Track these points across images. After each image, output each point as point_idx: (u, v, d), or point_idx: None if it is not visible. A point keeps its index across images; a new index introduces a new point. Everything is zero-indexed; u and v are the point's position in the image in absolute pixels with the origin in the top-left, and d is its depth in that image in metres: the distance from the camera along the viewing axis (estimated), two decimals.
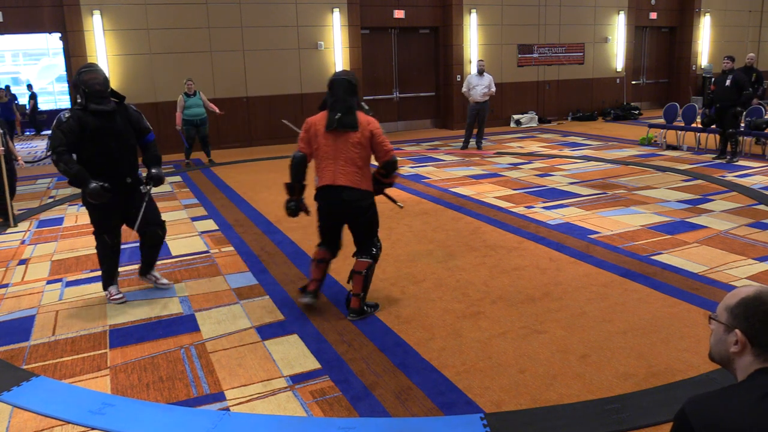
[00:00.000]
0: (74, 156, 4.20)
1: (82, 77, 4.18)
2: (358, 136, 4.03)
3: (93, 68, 4.26)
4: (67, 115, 4.15)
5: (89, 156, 4.21)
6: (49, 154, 4.18)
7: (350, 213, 4.09)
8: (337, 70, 4.71)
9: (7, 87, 17.69)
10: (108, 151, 4.25)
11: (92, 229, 4.52)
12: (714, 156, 9.99)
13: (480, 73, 11.80)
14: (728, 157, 9.65)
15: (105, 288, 4.63)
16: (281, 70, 12.99)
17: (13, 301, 4.71)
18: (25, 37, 17.78)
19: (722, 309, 1.53)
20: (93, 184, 4.10)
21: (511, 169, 9.56)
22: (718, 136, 10.17)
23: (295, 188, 4.16)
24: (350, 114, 4.06)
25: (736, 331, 1.48)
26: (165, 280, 4.86)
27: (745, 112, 10.02)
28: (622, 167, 9.41)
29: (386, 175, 4.18)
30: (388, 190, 4.35)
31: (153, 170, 4.48)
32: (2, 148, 6.78)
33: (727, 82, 9.57)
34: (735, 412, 1.35)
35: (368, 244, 4.18)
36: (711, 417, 1.36)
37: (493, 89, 11.86)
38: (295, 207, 4.17)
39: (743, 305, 1.49)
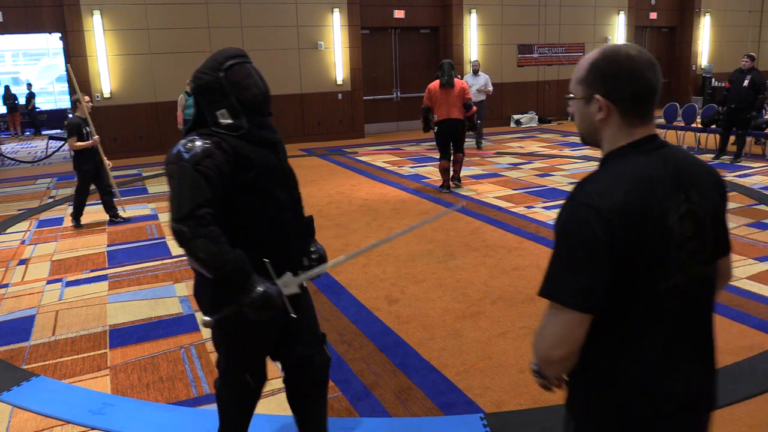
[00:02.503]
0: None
1: (232, 77, 2.22)
2: (456, 91, 7.78)
3: (246, 63, 2.29)
4: (206, 144, 2.13)
5: (246, 220, 2.23)
6: (176, 224, 2.06)
7: (454, 131, 7.92)
8: (444, 59, 8.34)
9: (7, 87, 17.69)
10: (280, 211, 2.29)
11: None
12: (713, 156, 9.96)
13: (475, 73, 11.84)
14: (732, 157, 9.60)
15: None
16: (281, 70, 12.98)
17: (13, 301, 4.71)
18: (25, 37, 17.79)
19: (574, 85, 1.45)
20: (262, 288, 2.11)
21: (511, 169, 9.56)
22: (718, 136, 10.11)
23: (428, 117, 8.03)
24: (451, 79, 7.78)
25: (596, 96, 1.39)
26: None
27: (758, 116, 9.83)
28: None
29: (466, 110, 7.87)
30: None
31: (318, 245, 2.50)
32: (90, 140, 6.69)
33: (745, 82, 9.34)
34: (632, 192, 1.30)
35: (461, 146, 8.11)
36: (616, 202, 1.29)
37: (490, 87, 11.87)
38: (426, 114, 8.08)
39: (594, 69, 1.40)
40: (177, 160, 2.10)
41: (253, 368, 2.47)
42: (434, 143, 8.66)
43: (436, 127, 7.89)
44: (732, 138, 9.84)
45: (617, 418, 1.39)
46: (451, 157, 8.05)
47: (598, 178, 1.36)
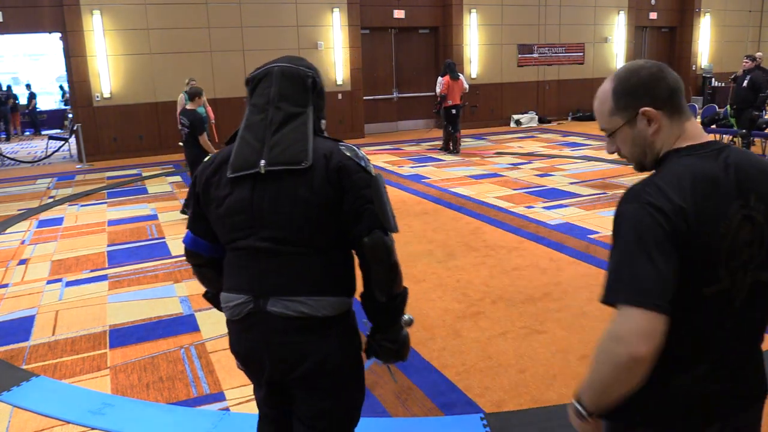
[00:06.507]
0: None
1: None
2: (459, 83, 11.10)
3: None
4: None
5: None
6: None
7: (459, 111, 11.19)
8: (446, 60, 11.11)
9: (9, 87, 17.68)
10: None
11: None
12: None
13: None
14: None
15: None
16: None
17: (13, 301, 4.71)
18: (25, 37, 17.79)
19: (608, 119, 1.42)
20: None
21: (511, 169, 9.55)
22: (717, 136, 10.09)
23: (443, 102, 11.17)
24: (457, 75, 11.11)
25: (641, 110, 1.37)
26: None
27: (760, 115, 9.76)
28: (622, 167, 9.41)
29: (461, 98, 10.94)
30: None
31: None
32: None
33: (745, 83, 9.31)
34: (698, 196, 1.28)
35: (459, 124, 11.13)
36: (676, 203, 1.27)
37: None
38: (443, 100, 11.11)
39: (620, 92, 1.39)
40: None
41: None
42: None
43: (453, 110, 10.98)
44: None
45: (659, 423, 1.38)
46: (458, 133, 11.14)
47: (660, 180, 1.32)
